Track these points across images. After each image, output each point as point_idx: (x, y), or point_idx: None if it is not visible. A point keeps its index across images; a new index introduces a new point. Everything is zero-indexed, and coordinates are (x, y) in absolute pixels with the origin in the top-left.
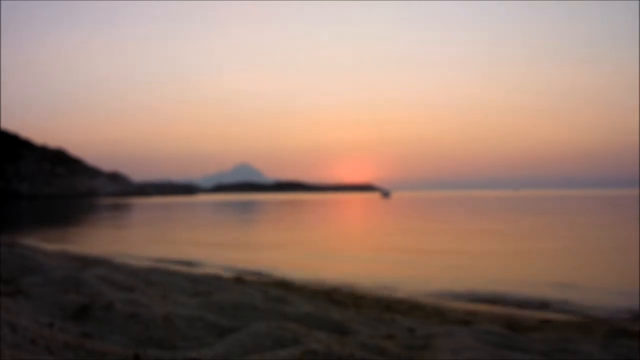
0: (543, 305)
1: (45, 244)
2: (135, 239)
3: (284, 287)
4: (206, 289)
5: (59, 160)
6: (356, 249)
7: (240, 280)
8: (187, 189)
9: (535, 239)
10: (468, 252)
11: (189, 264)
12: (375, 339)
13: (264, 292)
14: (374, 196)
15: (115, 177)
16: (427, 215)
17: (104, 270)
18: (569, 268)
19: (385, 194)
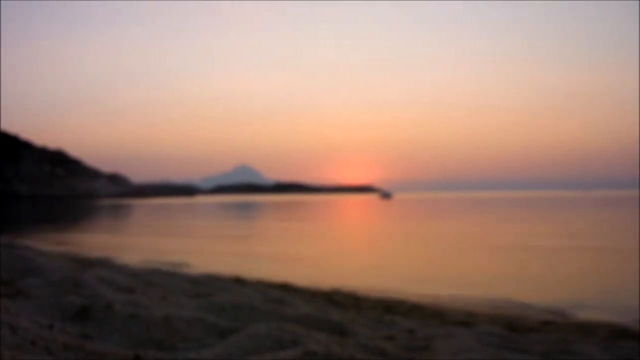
0: (543, 306)
1: (45, 245)
2: (134, 240)
3: (284, 289)
4: (206, 290)
5: (58, 161)
6: (355, 250)
7: (240, 281)
8: (187, 190)
9: (536, 240)
10: (468, 251)
11: (188, 265)
12: (375, 340)
13: (264, 293)
14: (373, 197)
15: (114, 178)
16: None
17: (104, 271)
18: (570, 269)
19: (385, 195)
